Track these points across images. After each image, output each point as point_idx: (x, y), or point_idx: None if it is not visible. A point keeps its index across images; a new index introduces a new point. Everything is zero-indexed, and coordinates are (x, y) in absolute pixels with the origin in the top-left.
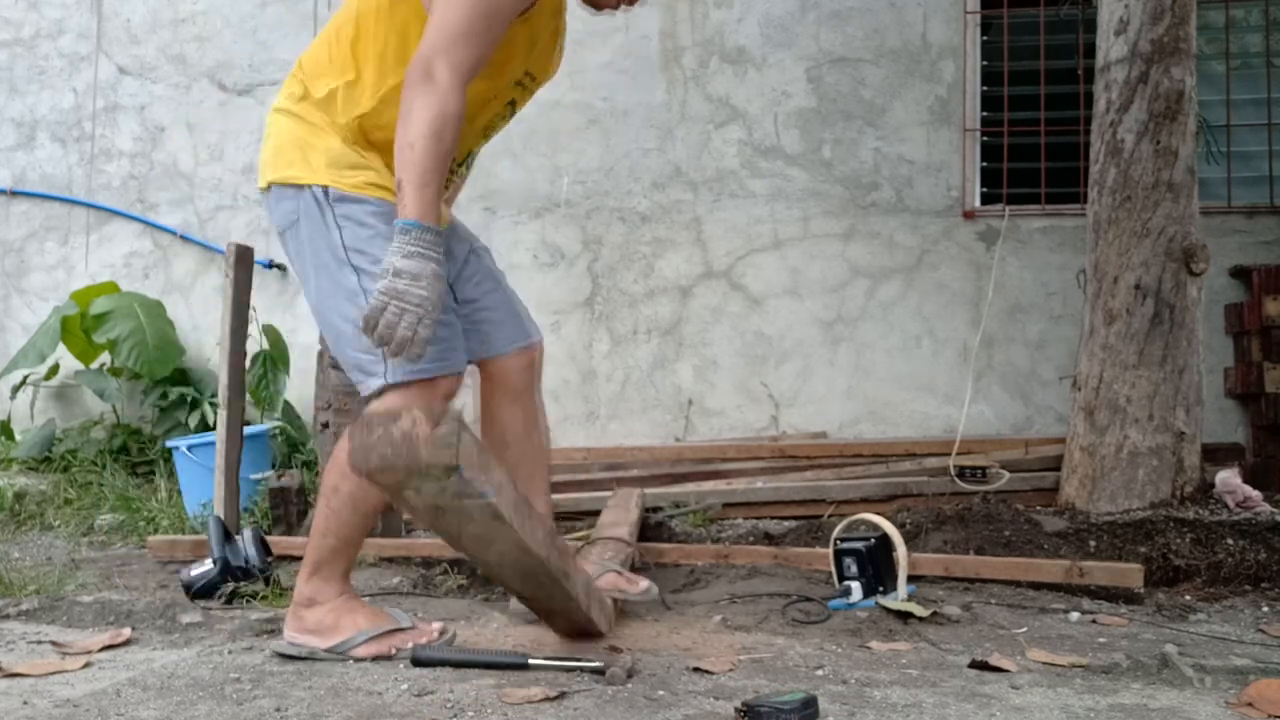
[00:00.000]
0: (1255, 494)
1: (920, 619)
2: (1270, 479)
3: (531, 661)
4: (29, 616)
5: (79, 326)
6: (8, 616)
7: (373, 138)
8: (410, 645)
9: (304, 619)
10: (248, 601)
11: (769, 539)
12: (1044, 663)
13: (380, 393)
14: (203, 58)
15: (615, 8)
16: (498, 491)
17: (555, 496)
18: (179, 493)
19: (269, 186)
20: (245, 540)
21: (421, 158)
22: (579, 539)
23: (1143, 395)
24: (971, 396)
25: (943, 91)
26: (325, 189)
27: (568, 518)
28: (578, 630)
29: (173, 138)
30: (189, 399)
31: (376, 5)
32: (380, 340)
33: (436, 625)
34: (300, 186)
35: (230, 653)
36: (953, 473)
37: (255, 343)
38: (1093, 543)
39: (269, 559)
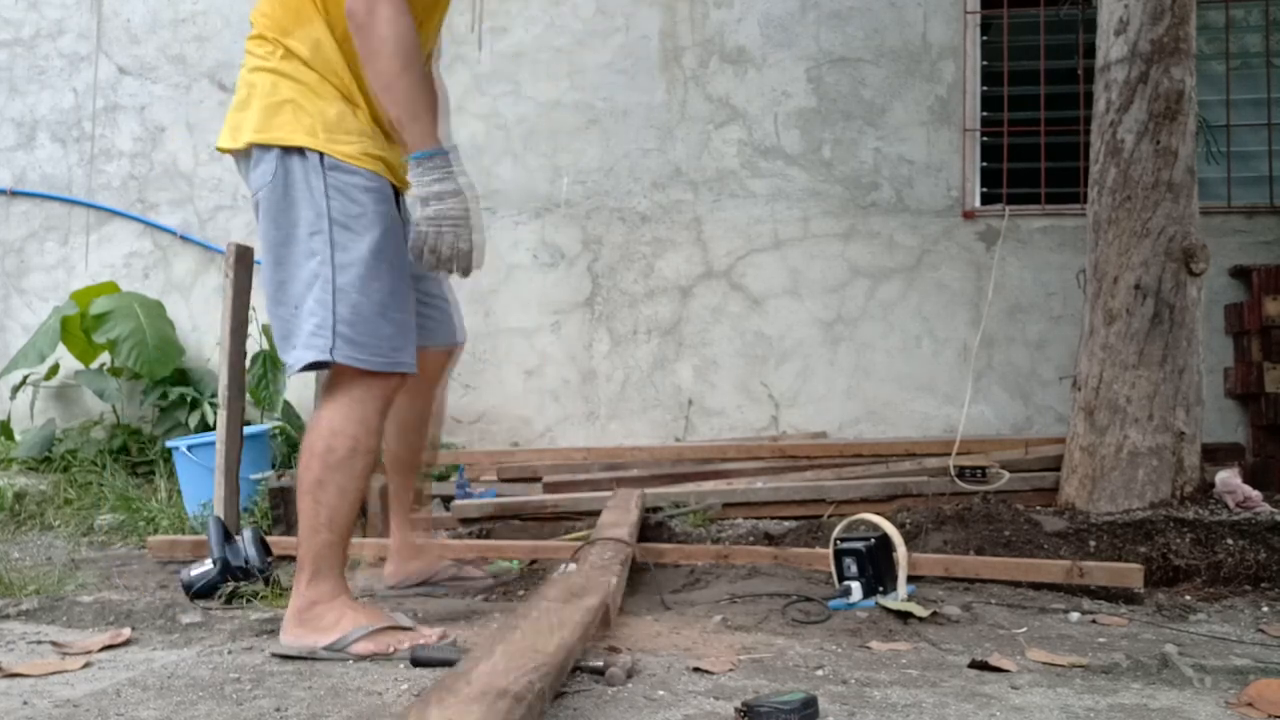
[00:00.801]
0: (1255, 494)
1: (920, 619)
2: (1270, 479)
3: None
4: (29, 616)
5: (79, 326)
6: (8, 616)
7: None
8: (407, 646)
9: (303, 619)
10: (248, 601)
11: (769, 539)
12: (1044, 663)
13: (318, 366)
14: (203, 58)
15: None
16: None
17: (556, 496)
18: (179, 493)
19: (248, 147)
20: (245, 540)
21: (404, 91)
22: (579, 539)
23: (1143, 395)
24: (971, 396)
25: (943, 91)
26: (321, 155)
27: (568, 518)
28: None
29: (173, 138)
30: (189, 399)
31: None
32: (433, 263)
33: (436, 630)
34: (289, 149)
35: (230, 653)
36: (953, 473)
37: (255, 343)
38: (1093, 543)
39: (269, 559)
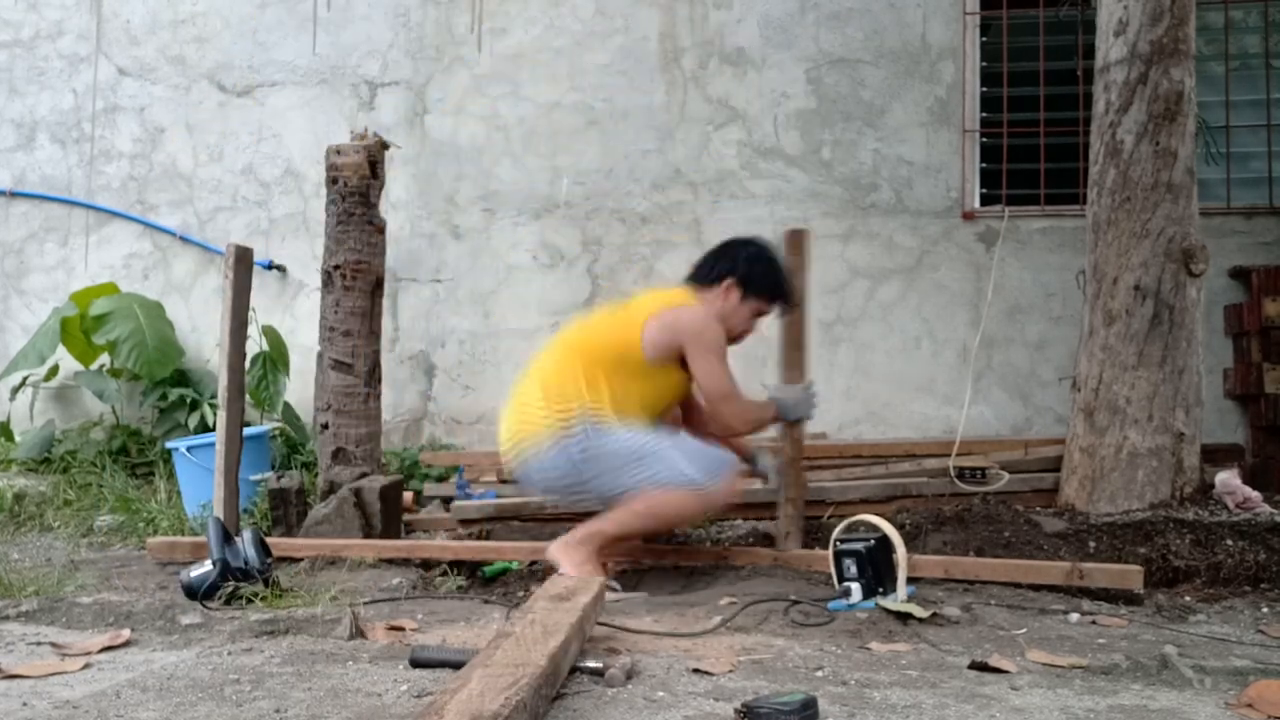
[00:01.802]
0: (1255, 495)
1: (920, 620)
2: (1269, 479)
3: None
4: (28, 618)
5: (78, 328)
6: (7, 618)
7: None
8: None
9: (569, 554)
10: (247, 602)
11: (768, 540)
12: (1044, 664)
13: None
14: (202, 59)
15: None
16: None
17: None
18: (178, 494)
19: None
20: (245, 541)
21: (760, 420)
22: None
23: (1142, 396)
24: (971, 397)
25: (942, 92)
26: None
27: (567, 519)
28: None
29: (172, 139)
30: (188, 400)
31: (601, 351)
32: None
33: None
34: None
35: (230, 654)
36: (952, 474)
37: (255, 344)
38: (1092, 544)
39: (268, 560)
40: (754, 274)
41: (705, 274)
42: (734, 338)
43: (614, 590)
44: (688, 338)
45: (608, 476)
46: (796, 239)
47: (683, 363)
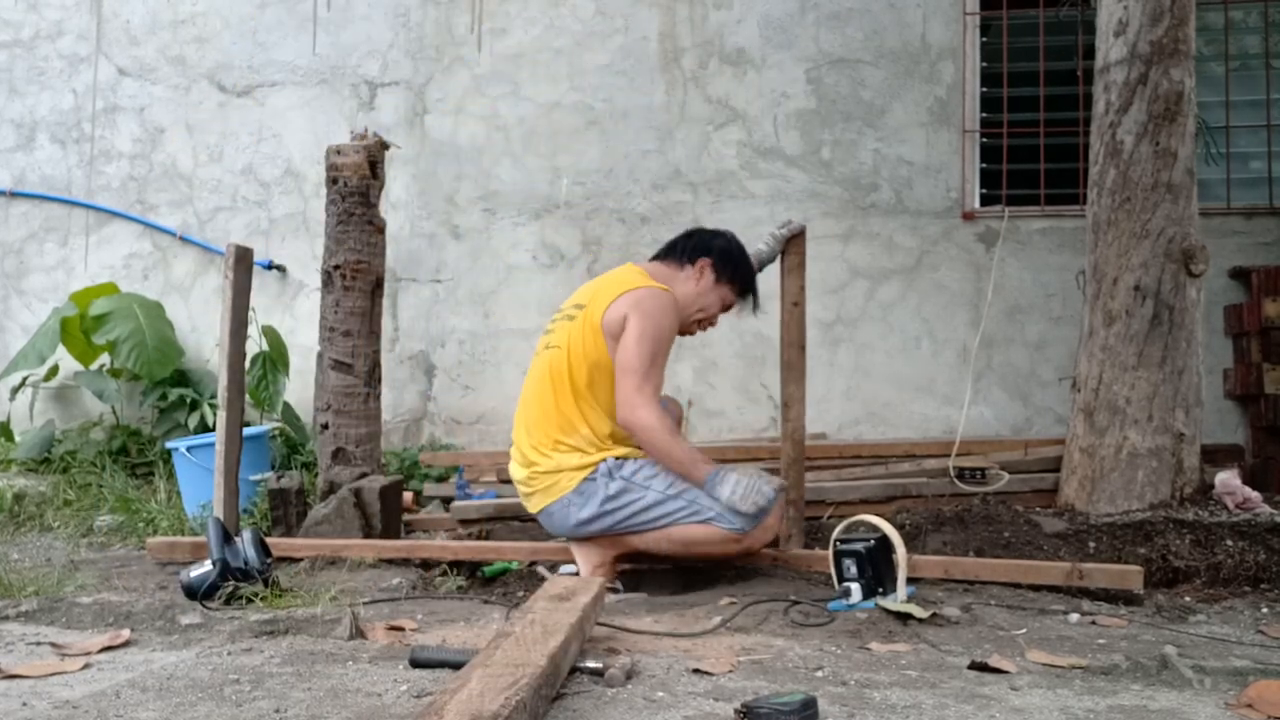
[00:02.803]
0: (1255, 495)
1: (920, 620)
2: (1269, 480)
3: None
4: (28, 618)
5: (78, 328)
6: (7, 618)
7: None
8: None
9: (592, 557)
10: (247, 602)
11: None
12: (1043, 664)
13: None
14: (202, 59)
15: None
16: None
17: None
18: (178, 494)
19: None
20: (244, 541)
21: (678, 459)
22: None
23: (1142, 396)
24: (971, 398)
25: (942, 93)
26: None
27: None
28: None
29: (172, 139)
30: (188, 400)
31: (582, 382)
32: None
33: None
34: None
35: (230, 654)
36: (952, 474)
37: (254, 344)
38: (1092, 544)
39: (268, 560)
40: (729, 261)
41: (679, 252)
42: (688, 328)
43: (616, 591)
44: (636, 312)
45: (641, 516)
46: (795, 237)
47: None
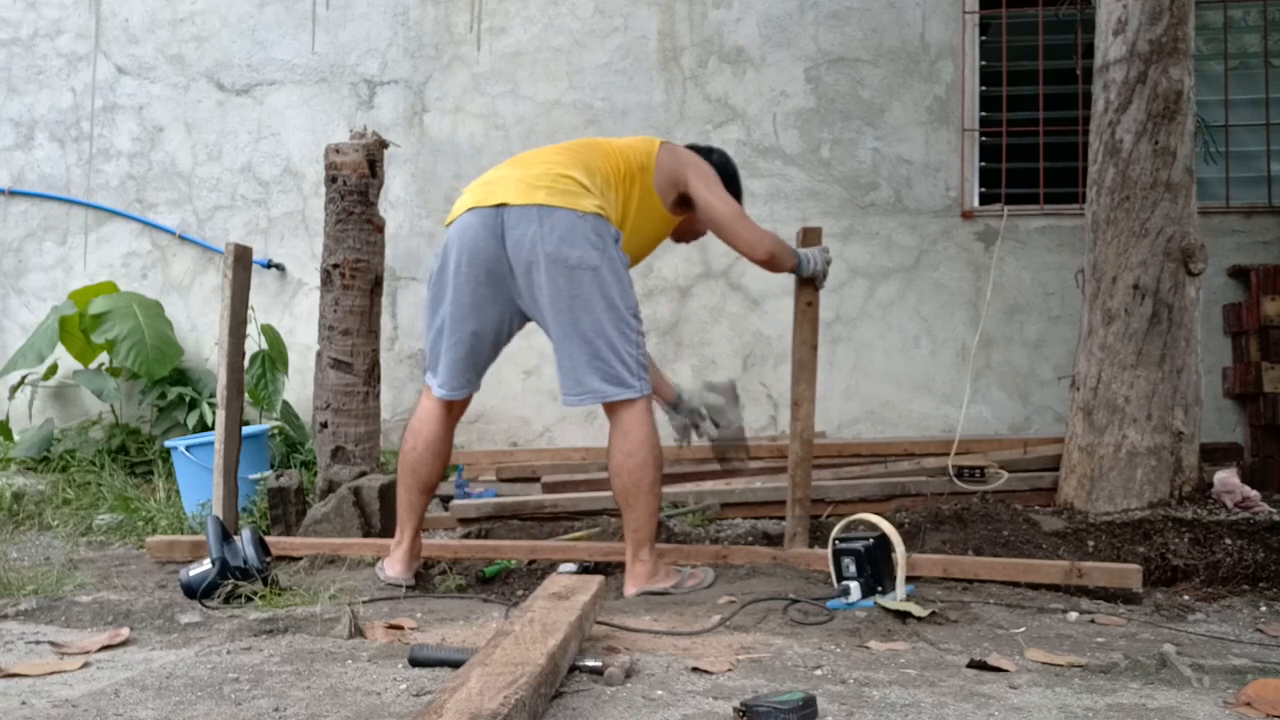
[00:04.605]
0: (1253, 494)
1: (919, 619)
2: (1268, 479)
3: None
4: (27, 617)
5: (77, 326)
6: (6, 617)
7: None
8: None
9: (652, 575)
10: (246, 601)
11: (767, 539)
12: (1042, 662)
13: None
14: (201, 57)
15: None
16: None
17: (554, 496)
18: (177, 493)
19: (592, 212)
20: (244, 540)
21: (762, 252)
22: (578, 539)
23: (1141, 395)
24: (970, 396)
25: (941, 91)
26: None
27: (567, 518)
28: None
29: (171, 137)
30: (187, 399)
31: (632, 172)
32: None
33: (702, 572)
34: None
35: (229, 653)
36: (951, 473)
37: (253, 343)
38: (1091, 542)
39: (267, 559)
40: (728, 172)
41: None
42: (686, 232)
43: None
44: (691, 169)
45: (597, 306)
46: (812, 236)
47: (676, 205)
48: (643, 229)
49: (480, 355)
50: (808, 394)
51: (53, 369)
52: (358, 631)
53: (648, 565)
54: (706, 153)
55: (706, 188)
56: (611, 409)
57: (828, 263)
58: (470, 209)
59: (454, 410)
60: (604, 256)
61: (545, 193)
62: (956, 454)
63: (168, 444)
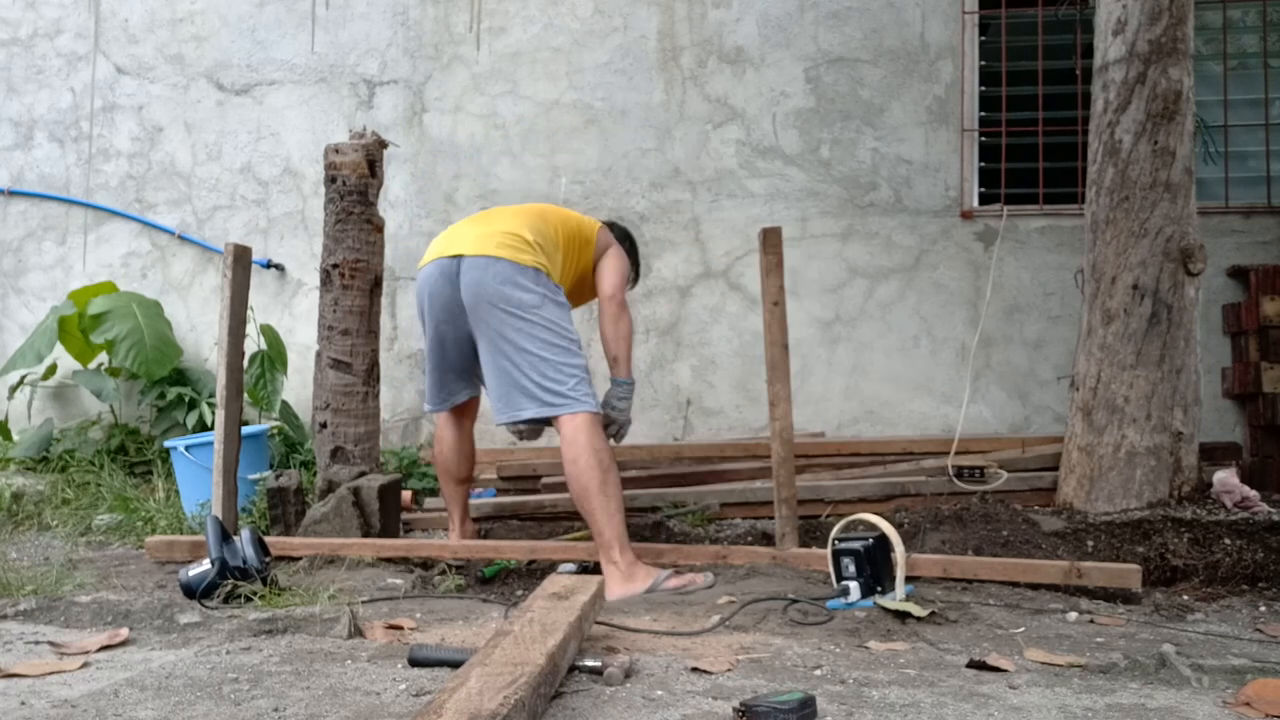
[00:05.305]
0: (1253, 494)
1: (918, 619)
2: (1267, 479)
3: None
4: (26, 617)
5: (77, 326)
6: (5, 617)
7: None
8: (700, 582)
9: (628, 577)
10: (246, 601)
11: (767, 539)
12: (1042, 662)
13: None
14: (200, 57)
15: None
16: None
17: (555, 496)
18: (177, 493)
19: (531, 266)
20: (243, 540)
21: (629, 350)
22: (578, 538)
23: (1140, 395)
24: (969, 396)
25: (941, 91)
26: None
27: (567, 517)
28: None
29: (170, 137)
30: (187, 399)
31: (576, 243)
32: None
33: (703, 575)
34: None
35: (228, 653)
36: (950, 472)
37: (253, 343)
38: (1090, 542)
39: (267, 559)
40: (630, 248)
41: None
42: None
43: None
44: (613, 250)
45: (540, 344)
46: (771, 237)
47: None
48: (580, 290)
49: (450, 376)
50: (783, 393)
51: (52, 369)
52: (357, 632)
53: (620, 568)
54: (611, 226)
55: (613, 269)
56: (556, 424)
57: (627, 408)
58: (434, 259)
59: (462, 415)
60: (541, 297)
61: (495, 245)
62: (956, 454)
63: (167, 444)
